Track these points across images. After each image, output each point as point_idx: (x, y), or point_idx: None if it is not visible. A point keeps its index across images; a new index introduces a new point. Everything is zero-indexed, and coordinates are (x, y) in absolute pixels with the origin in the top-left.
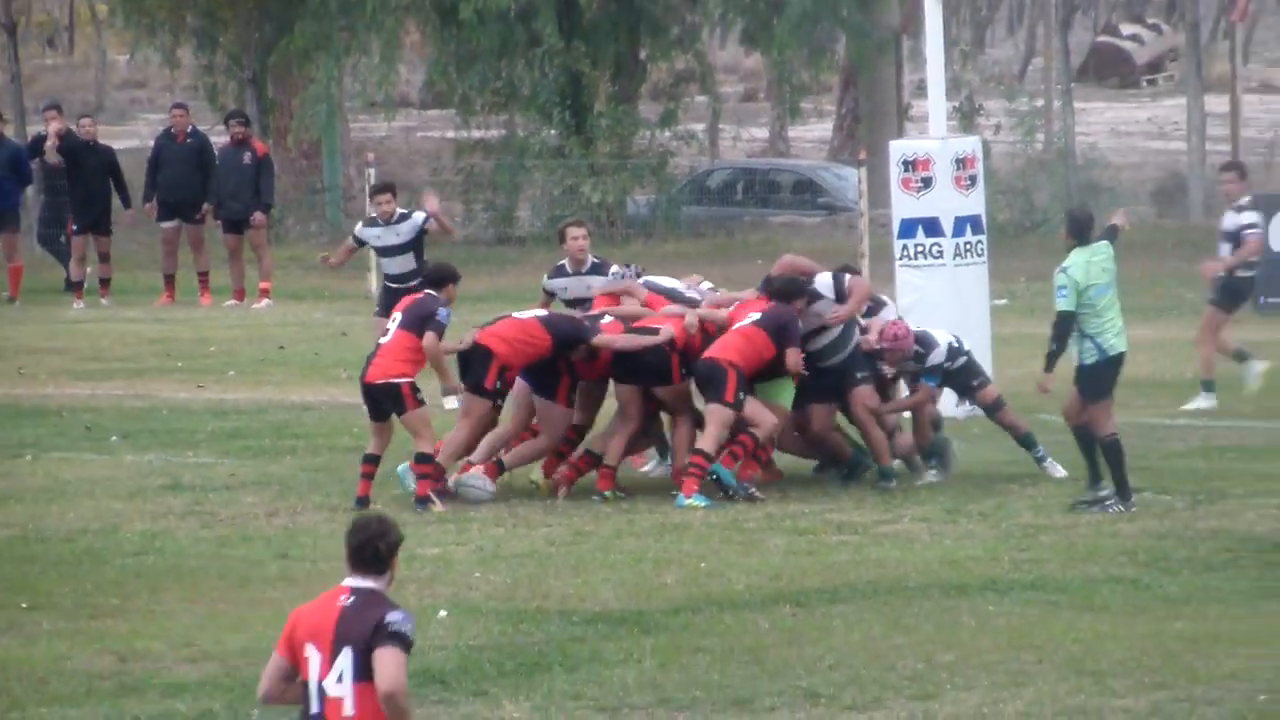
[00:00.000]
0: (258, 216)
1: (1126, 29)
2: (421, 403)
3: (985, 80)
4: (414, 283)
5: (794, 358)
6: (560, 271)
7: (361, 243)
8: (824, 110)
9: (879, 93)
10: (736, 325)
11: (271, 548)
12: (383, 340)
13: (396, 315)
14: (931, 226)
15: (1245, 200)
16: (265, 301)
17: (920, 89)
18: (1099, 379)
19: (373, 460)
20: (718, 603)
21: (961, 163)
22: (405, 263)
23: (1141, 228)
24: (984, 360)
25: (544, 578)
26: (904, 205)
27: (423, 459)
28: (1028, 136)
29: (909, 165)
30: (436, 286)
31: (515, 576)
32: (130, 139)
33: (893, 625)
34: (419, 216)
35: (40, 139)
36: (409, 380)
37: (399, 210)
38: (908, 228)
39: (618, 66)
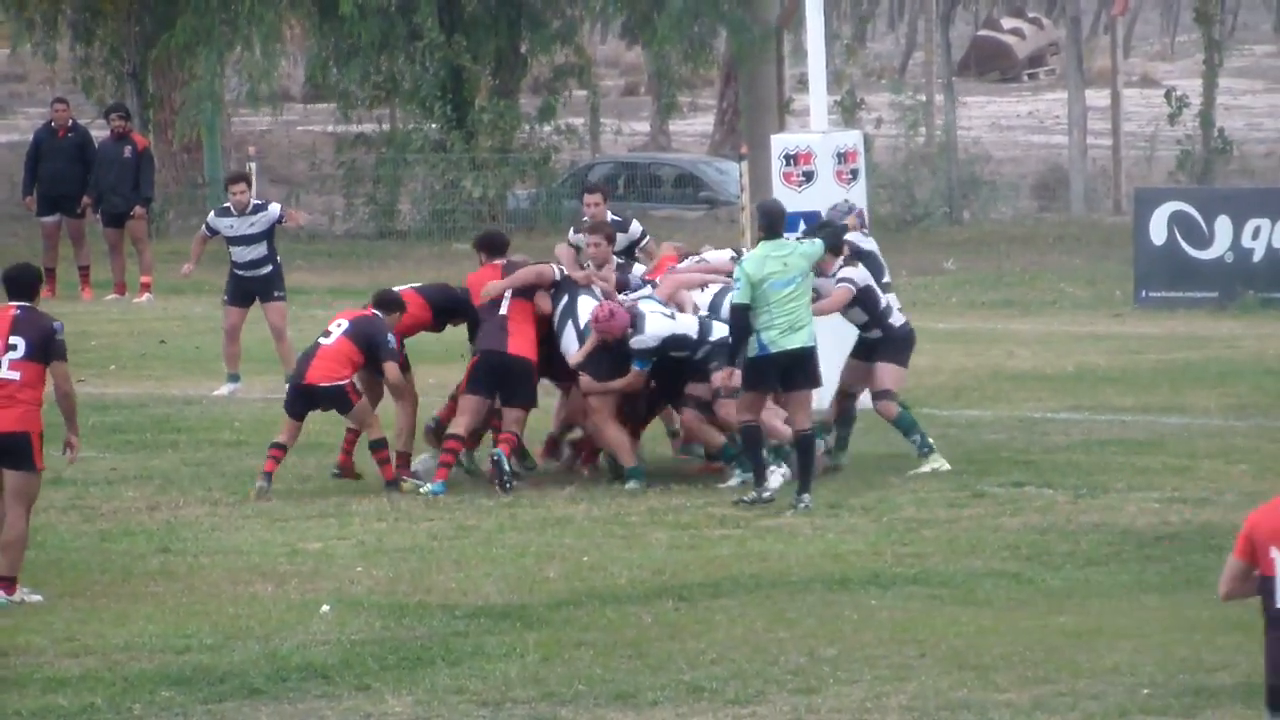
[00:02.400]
0: (138, 210)
1: (1007, 23)
2: (360, 395)
3: (867, 74)
4: (265, 270)
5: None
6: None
7: (214, 232)
8: (705, 105)
9: (760, 87)
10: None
11: (153, 542)
12: (324, 341)
13: (341, 322)
14: (813, 220)
15: None
16: (146, 296)
17: (801, 83)
18: (756, 373)
19: (281, 448)
20: (600, 597)
21: (843, 156)
22: (257, 250)
23: (1023, 221)
24: None
25: (426, 572)
26: (786, 199)
27: (378, 445)
28: (910, 130)
29: (790, 159)
30: (385, 310)
31: (398, 571)
32: (10, 133)
33: (775, 619)
34: (275, 209)
35: None
36: (349, 380)
37: (253, 200)
38: (790, 221)
39: (499, 60)
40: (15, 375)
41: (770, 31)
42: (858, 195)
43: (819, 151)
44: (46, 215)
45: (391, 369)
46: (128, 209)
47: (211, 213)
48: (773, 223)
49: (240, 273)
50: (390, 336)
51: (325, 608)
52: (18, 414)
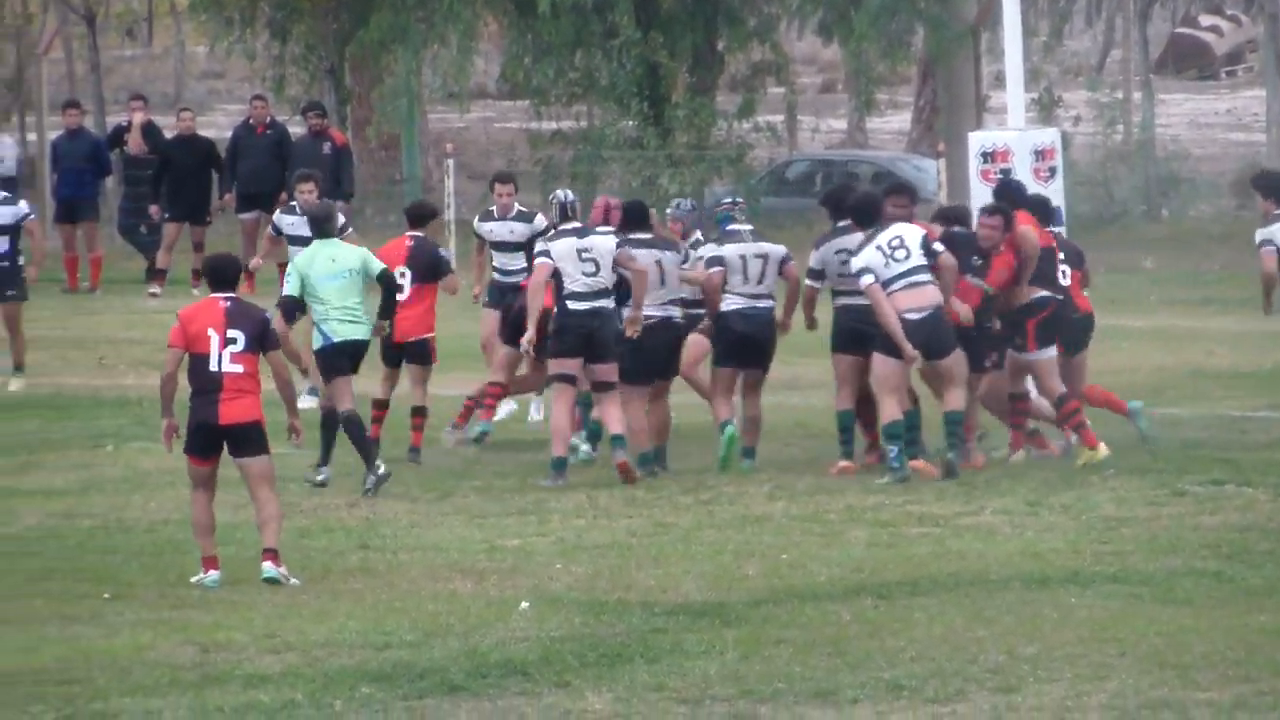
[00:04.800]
0: (341, 206)
1: (1205, 20)
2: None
3: (1064, 72)
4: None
5: None
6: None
7: (279, 231)
8: (902, 102)
9: (957, 84)
10: None
11: (352, 539)
12: (400, 298)
13: (403, 269)
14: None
15: None
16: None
17: (999, 80)
18: (327, 362)
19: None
20: (799, 595)
21: (1040, 154)
22: None
23: (1221, 219)
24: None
25: (625, 569)
26: (983, 197)
27: (419, 411)
28: (1107, 128)
29: (988, 157)
30: (421, 226)
31: (597, 568)
32: (208, 129)
33: (974, 617)
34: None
35: (120, 130)
36: (432, 334)
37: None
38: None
39: (695, 57)
40: (239, 368)
41: (967, 29)
42: (1055, 192)
43: (1016, 149)
44: (245, 212)
45: (450, 281)
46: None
47: (278, 210)
48: (320, 225)
49: None
50: (444, 251)
51: (524, 604)
52: (247, 404)
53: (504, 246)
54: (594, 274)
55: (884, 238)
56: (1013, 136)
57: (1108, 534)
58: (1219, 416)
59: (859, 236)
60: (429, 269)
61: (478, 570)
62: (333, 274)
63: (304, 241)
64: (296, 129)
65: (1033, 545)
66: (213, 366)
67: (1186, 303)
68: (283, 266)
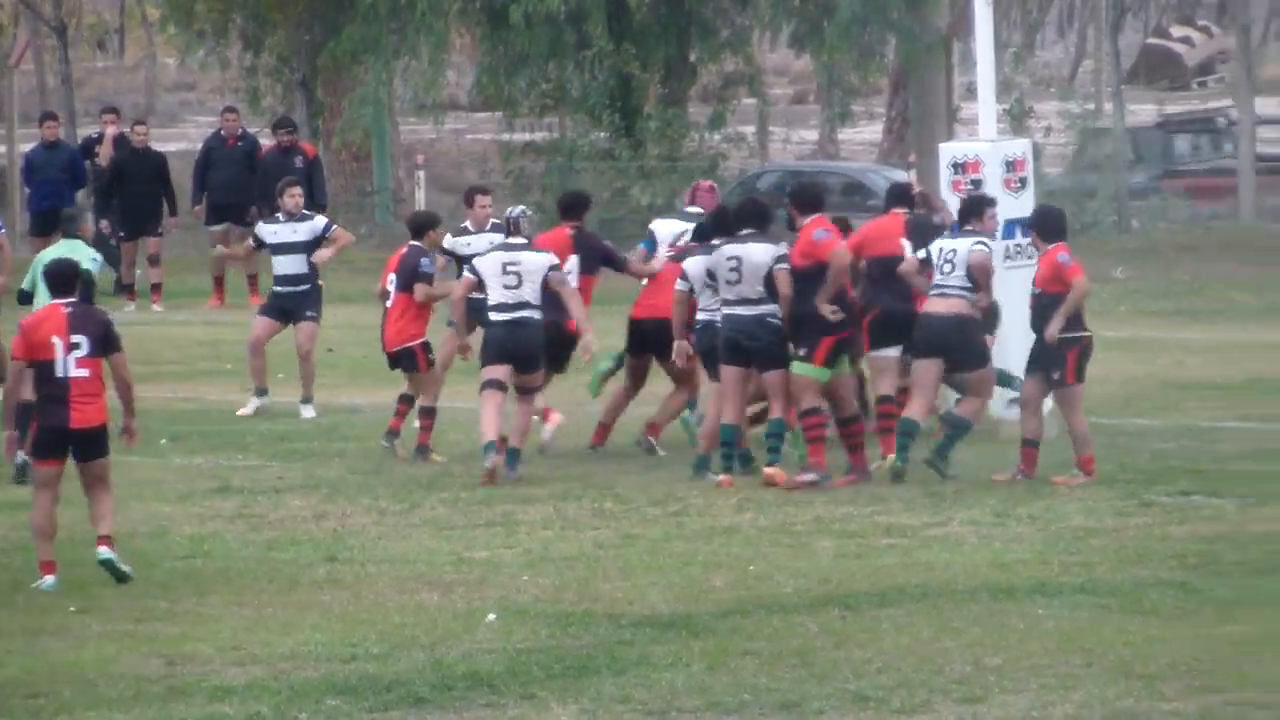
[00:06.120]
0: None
1: (1177, 31)
2: (433, 363)
3: (1036, 83)
4: (304, 287)
5: None
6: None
7: (260, 242)
8: (874, 113)
9: (929, 95)
10: None
11: (319, 550)
12: (388, 305)
13: (393, 276)
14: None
15: None
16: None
17: (970, 91)
18: None
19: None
20: (766, 606)
21: (1011, 165)
22: (298, 264)
23: (1192, 230)
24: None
25: (592, 581)
26: (954, 207)
27: (426, 412)
28: (1079, 139)
29: (959, 168)
30: (418, 234)
31: (563, 579)
32: (180, 141)
33: (941, 628)
34: (320, 221)
35: (92, 141)
36: (422, 341)
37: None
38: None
39: (667, 69)
40: (85, 372)
41: (939, 39)
42: (1026, 204)
43: (987, 160)
44: (215, 224)
45: (420, 290)
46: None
47: (260, 222)
48: (46, 228)
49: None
50: (425, 260)
51: (491, 616)
52: (97, 408)
53: None
54: (515, 287)
55: (945, 244)
56: (984, 148)
57: (1075, 544)
58: (1188, 427)
59: (753, 245)
60: (408, 277)
61: (444, 582)
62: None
63: (286, 249)
64: (269, 141)
65: (1000, 556)
66: (59, 372)
67: (1157, 313)
68: (253, 278)
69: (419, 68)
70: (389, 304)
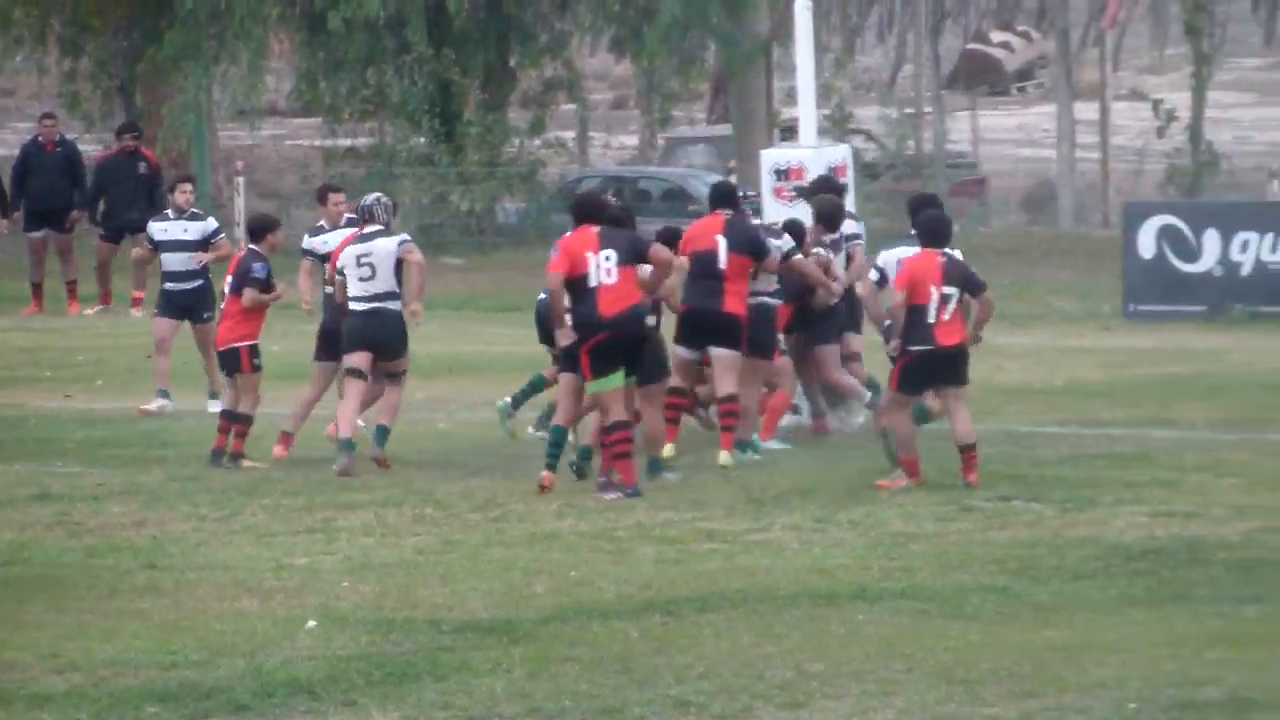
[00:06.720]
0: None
1: (996, 36)
2: (257, 367)
3: (856, 88)
4: (197, 283)
5: None
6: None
7: (153, 240)
8: (694, 118)
9: (749, 100)
10: None
11: (139, 557)
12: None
13: (229, 279)
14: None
15: None
16: (137, 310)
17: (790, 96)
18: None
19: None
20: (587, 612)
21: (832, 170)
22: (189, 261)
23: (1011, 235)
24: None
25: (413, 587)
26: (777, 214)
27: (232, 417)
28: (899, 143)
29: (781, 174)
30: (255, 238)
31: (384, 586)
32: None
33: (762, 634)
34: (212, 224)
35: None
36: (250, 343)
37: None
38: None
39: (487, 74)
40: None
41: (760, 45)
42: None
43: (811, 166)
44: (34, 230)
45: (247, 295)
46: (142, 223)
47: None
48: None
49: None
50: (257, 265)
51: (311, 623)
52: None
53: None
54: (369, 279)
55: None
56: (807, 154)
57: (896, 550)
58: (1008, 432)
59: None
60: (239, 280)
61: (265, 589)
62: None
63: (179, 246)
64: (87, 147)
65: (821, 561)
66: None
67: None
68: (72, 284)
69: (238, 73)
70: (223, 305)
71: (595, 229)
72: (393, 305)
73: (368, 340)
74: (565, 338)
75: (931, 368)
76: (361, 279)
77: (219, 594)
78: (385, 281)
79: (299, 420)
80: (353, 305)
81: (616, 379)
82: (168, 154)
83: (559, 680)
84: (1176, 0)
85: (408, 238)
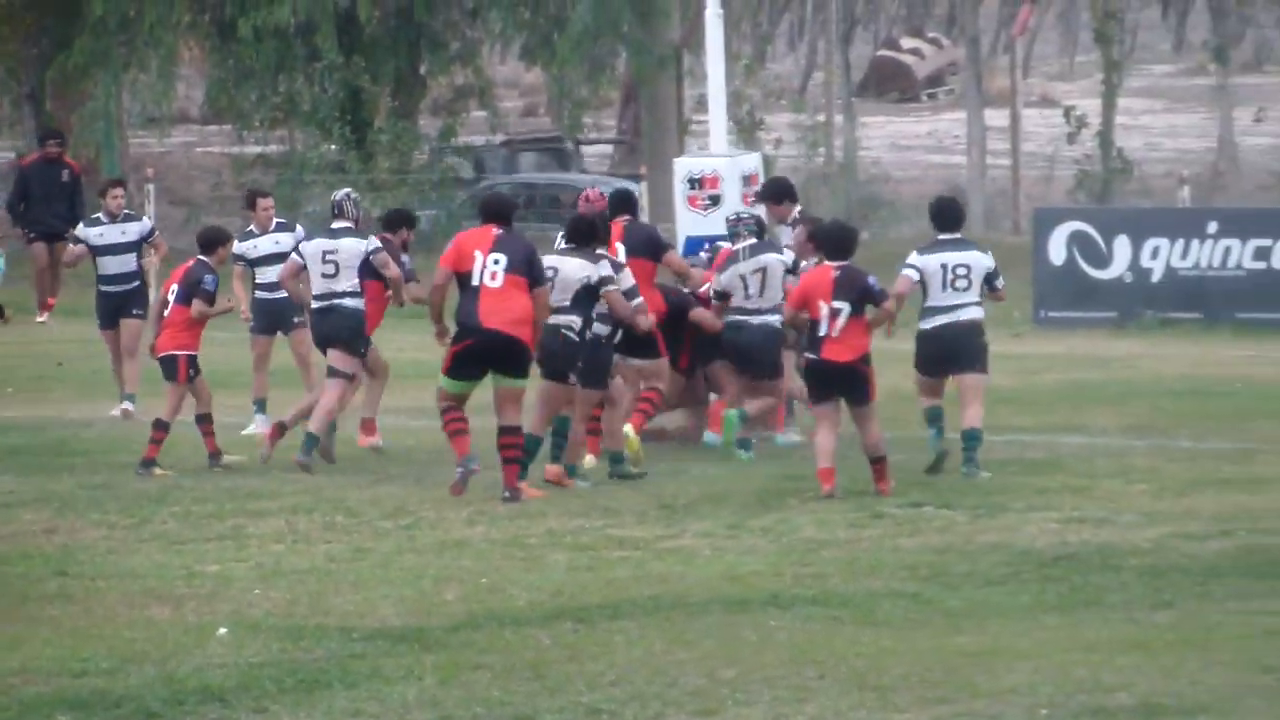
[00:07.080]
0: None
1: (907, 43)
2: (192, 378)
3: (767, 95)
4: (134, 284)
5: None
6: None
7: (89, 244)
8: (605, 125)
9: (660, 108)
10: None
11: (49, 565)
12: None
13: (174, 287)
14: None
15: None
16: (45, 316)
17: (701, 104)
18: None
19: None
20: (499, 619)
21: (746, 179)
22: (128, 263)
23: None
24: None
25: (324, 594)
26: (690, 223)
27: (161, 425)
28: (810, 150)
29: (695, 182)
30: (207, 250)
31: (295, 593)
32: None
33: (674, 641)
34: (147, 223)
35: None
36: (188, 353)
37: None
38: (694, 245)
39: (398, 81)
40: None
41: (671, 52)
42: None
43: (726, 174)
44: None
45: (196, 307)
46: (64, 230)
47: (81, 224)
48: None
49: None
50: (209, 277)
51: (222, 630)
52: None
53: (271, 260)
54: (332, 276)
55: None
56: (723, 163)
57: (808, 556)
58: (918, 438)
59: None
60: (188, 290)
61: (175, 596)
62: None
63: (119, 249)
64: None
65: (733, 568)
66: None
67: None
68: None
69: (148, 81)
70: (167, 312)
71: (496, 230)
72: (350, 303)
73: (322, 336)
74: (439, 338)
75: (826, 380)
76: (324, 275)
77: (130, 602)
78: (348, 282)
79: (370, 407)
80: (314, 303)
81: (470, 385)
82: (78, 160)
83: (470, 688)
84: (1087, 7)
85: (379, 246)
